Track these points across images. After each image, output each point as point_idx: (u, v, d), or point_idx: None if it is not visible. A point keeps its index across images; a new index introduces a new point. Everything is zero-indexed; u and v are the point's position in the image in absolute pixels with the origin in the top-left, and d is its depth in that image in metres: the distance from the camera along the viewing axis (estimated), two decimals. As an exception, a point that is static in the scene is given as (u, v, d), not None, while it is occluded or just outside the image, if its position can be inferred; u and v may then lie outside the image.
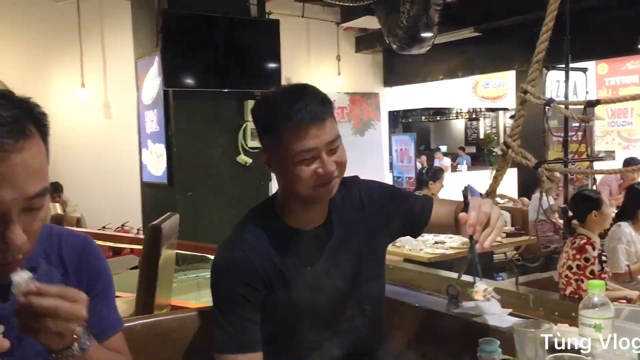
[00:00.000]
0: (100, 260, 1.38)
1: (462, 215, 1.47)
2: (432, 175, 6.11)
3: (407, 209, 1.74)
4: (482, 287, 1.54)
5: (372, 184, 1.76)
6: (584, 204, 3.83)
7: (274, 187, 6.52)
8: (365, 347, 1.68)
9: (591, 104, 2.46)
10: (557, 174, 2.13)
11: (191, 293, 5.00)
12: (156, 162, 6.24)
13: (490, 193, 2.04)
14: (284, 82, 6.65)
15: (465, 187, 1.72)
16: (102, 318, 1.33)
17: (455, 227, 1.67)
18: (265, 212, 1.61)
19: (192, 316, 1.81)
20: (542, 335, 1.57)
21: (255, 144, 5.91)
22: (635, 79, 7.32)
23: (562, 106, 2.49)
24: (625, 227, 4.14)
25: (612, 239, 4.14)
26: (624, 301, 3.64)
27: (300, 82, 1.59)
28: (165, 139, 5.97)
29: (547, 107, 2.57)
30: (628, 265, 4.04)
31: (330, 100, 1.53)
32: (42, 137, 1.04)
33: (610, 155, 9.71)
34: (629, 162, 6.63)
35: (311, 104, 1.46)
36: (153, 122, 6.19)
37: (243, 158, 6.06)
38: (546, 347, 1.54)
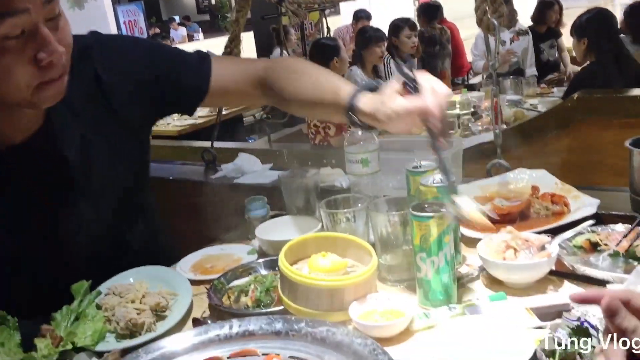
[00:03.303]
0: None
1: (412, 104, 0.98)
2: None
3: (173, 81, 1.21)
4: (468, 203, 1.01)
5: (114, 50, 1.18)
6: (324, 51, 3.88)
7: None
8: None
9: None
10: (314, 15, 1.97)
11: None
12: None
13: (234, 40, 1.81)
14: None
15: (399, 65, 1.16)
16: None
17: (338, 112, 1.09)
18: None
19: None
20: (309, 182, 1.47)
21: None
22: None
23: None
24: (356, 69, 4.36)
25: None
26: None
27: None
28: None
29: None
30: None
31: None
32: None
33: (333, 4, 10.24)
34: (357, 13, 6.97)
35: None
36: None
37: None
38: (316, 194, 1.45)
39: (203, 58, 1.25)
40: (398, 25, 4.78)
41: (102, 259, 1.22)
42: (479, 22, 1.46)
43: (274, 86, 1.20)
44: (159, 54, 1.24)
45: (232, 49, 1.82)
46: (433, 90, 0.98)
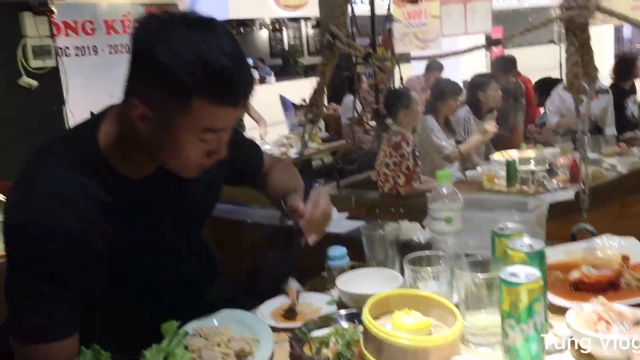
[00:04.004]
0: None
1: (299, 205, 1.35)
2: None
3: (246, 161, 1.57)
4: (295, 285, 1.46)
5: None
6: (394, 101, 3.90)
7: (68, 110, 5.60)
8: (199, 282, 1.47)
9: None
10: (388, 64, 2.02)
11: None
12: None
13: (319, 91, 1.87)
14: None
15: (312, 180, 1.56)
16: None
17: (280, 203, 1.45)
18: (84, 154, 1.18)
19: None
20: (389, 235, 1.48)
21: (40, 63, 5.08)
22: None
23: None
24: (431, 119, 4.34)
25: (424, 132, 4.32)
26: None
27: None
28: None
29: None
30: (457, 148, 4.25)
31: None
32: None
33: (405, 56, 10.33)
34: (430, 64, 7.00)
35: (247, 78, 1.12)
36: None
37: (27, 81, 5.19)
38: (396, 247, 1.46)
39: (258, 147, 1.67)
40: (484, 80, 4.67)
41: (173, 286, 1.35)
42: (570, 86, 1.45)
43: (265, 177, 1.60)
44: (244, 140, 1.64)
45: (317, 99, 1.88)
46: (315, 202, 1.35)
